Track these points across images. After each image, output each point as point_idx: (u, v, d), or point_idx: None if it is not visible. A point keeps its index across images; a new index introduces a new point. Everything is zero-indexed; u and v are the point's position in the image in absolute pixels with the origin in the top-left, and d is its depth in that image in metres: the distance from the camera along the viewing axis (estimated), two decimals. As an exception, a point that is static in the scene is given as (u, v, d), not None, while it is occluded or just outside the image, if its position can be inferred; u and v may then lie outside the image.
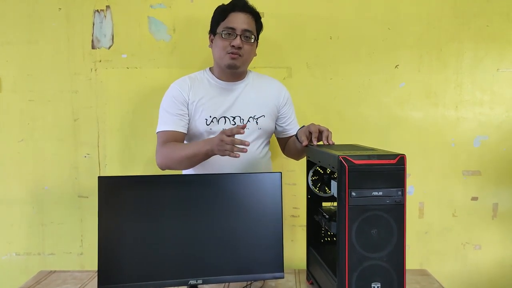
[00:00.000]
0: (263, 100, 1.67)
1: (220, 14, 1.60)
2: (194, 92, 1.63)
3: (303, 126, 1.54)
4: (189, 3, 2.03)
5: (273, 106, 1.69)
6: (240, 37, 1.56)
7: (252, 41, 1.60)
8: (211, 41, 1.65)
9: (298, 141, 1.51)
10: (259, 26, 1.66)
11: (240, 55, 1.57)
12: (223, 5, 1.63)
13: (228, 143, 1.34)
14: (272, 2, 2.02)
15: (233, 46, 1.55)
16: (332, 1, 2.03)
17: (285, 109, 1.72)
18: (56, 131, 2.08)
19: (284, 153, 1.84)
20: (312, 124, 1.46)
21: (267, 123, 1.66)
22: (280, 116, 1.72)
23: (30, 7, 2.03)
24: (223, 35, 1.57)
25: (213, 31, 1.64)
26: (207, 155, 1.46)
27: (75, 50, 2.05)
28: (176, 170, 1.61)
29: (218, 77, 1.66)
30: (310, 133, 1.44)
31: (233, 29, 1.56)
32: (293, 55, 2.05)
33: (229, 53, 1.56)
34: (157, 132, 1.62)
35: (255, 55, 1.69)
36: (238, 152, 1.35)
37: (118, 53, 2.05)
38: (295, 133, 1.67)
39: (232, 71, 1.62)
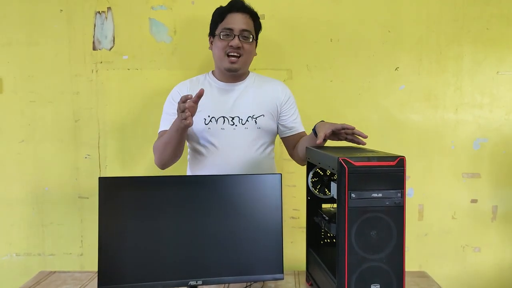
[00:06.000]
0: (262, 99, 1.66)
1: (218, 16, 1.61)
2: (192, 94, 1.62)
3: (322, 121, 1.51)
4: (190, 5, 2.04)
5: (273, 104, 1.67)
6: (239, 37, 1.56)
7: (251, 40, 1.60)
8: (211, 43, 1.66)
9: (315, 134, 1.45)
10: (257, 26, 1.66)
11: (239, 56, 1.58)
12: (221, 7, 1.64)
13: (180, 109, 1.35)
14: (273, 5, 2.03)
15: (231, 46, 1.56)
16: (332, 4, 2.04)
17: (286, 107, 1.69)
18: (57, 132, 2.08)
19: (292, 157, 1.76)
20: (334, 124, 1.39)
21: (266, 122, 1.65)
22: (281, 115, 1.69)
23: (31, 9, 2.04)
24: (221, 36, 1.58)
25: (212, 33, 1.65)
26: (178, 132, 1.46)
27: (76, 51, 2.06)
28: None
29: (219, 78, 1.67)
30: (331, 132, 1.36)
31: (231, 29, 1.57)
32: (294, 57, 2.06)
33: (228, 55, 1.57)
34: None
35: (256, 54, 1.69)
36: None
37: (119, 55, 2.06)
38: (299, 131, 1.68)
39: (232, 73, 1.63)
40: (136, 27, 2.05)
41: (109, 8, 2.05)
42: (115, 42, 2.06)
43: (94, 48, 2.06)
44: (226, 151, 1.60)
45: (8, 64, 2.06)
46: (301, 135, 1.70)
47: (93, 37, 2.06)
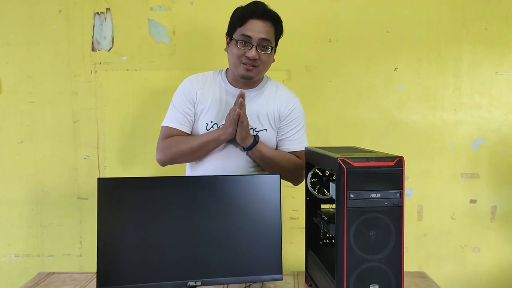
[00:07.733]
0: (268, 112, 1.58)
1: (238, 20, 1.48)
2: (203, 92, 1.57)
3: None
4: (189, 6, 2.04)
5: (277, 117, 1.59)
6: (256, 47, 1.47)
7: (269, 52, 1.50)
8: (227, 44, 1.56)
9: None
10: (278, 33, 1.55)
11: (255, 66, 1.49)
12: (242, 8, 1.51)
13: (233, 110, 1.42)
14: (272, 5, 2.01)
15: (247, 57, 1.47)
16: (332, 4, 2.04)
17: (284, 122, 1.59)
18: (56, 132, 2.08)
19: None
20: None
21: (268, 137, 1.57)
22: (278, 128, 1.60)
23: (30, 9, 2.04)
24: (238, 43, 1.48)
25: (229, 35, 1.53)
26: (217, 141, 1.50)
27: (75, 52, 2.06)
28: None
29: (231, 82, 1.58)
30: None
31: (249, 37, 1.46)
32: (293, 58, 2.06)
33: (243, 64, 1.49)
34: (162, 126, 1.58)
35: (273, 61, 1.58)
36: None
37: (118, 55, 2.06)
38: (287, 150, 1.60)
39: (246, 80, 1.55)
40: (135, 28, 2.05)
41: (108, 9, 2.05)
42: (114, 43, 2.06)
43: (93, 49, 2.06)
44: (223, 159, 1.55)
45: (7, 64, 2.06)
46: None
47: (92, 38, 2.06)
